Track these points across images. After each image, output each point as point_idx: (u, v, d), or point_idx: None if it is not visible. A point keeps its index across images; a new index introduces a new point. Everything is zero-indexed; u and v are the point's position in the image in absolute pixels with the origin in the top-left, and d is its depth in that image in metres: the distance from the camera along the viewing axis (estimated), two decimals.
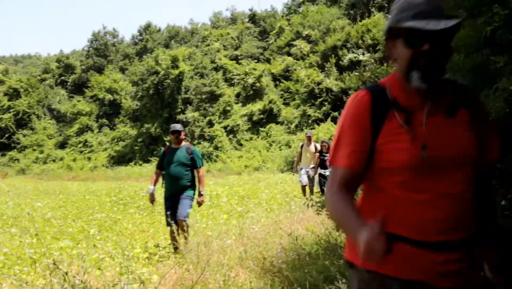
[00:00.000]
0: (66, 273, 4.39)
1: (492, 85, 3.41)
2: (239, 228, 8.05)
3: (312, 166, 14.62)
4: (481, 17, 3.75)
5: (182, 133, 8.70)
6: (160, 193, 10.36)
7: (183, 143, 8.66)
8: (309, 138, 15.37)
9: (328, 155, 13.24)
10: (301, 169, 14.95)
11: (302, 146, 15.46)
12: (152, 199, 8.67)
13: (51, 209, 15.83)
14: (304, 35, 55.48)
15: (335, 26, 51.32)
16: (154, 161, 45.06)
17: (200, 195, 8.56)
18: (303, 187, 14.74)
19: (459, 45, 3.92)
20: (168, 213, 8.20)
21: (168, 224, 8.08)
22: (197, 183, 8.62)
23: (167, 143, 49.15)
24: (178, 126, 8.72)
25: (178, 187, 8.32)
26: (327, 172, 13.93)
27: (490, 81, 3.51)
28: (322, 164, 14.20)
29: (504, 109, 3.22)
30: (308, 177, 14.67)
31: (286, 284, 5.22)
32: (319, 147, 14.77)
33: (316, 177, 14.60)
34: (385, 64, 4.41)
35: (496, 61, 3.48)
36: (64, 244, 8.49)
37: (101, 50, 76.48)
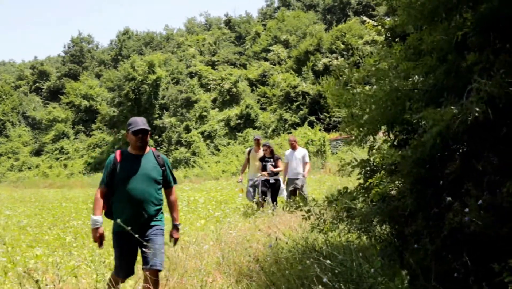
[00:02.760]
0: (37, 281, 4.33)
1: (465, 88, 3.45)
2: (216, 233, 8.03)
3: (258, 175, 12.67)
4: (452, 22, 3.79)
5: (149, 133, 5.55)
6: (107, 225, 5.91)
7: (148, 148, 5.62)
8: (257, 143, 13.46)
9: (271, 159, 12.56)
10: (249, 180, 13.16)
11: (249, 152, 13.65)
12: (99, 237, 5.31)
13: (27, 216, 15.65)
14: (282, 40, 55.73)
15: (311, 31, 51.64)
16: None
17: (175, 228, 5.70)
18: (257, 203, 12.33)
19: (432, 48, 3.96)
20: (123, 260, 5.40)
21: (124, 276, 5.48)
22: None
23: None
24: (142, 122, 5.43)
25: (142, 216, 5.30)
26: (271, 179, 12.48)
27: (464, 84, 3.55)
28: (264, 170, 12.51)
29: (484, 110, 3.26)
30: (255, 187, 12.75)
31: (264, 288, 5.22)
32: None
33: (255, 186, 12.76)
34: (360, 69, 4.42)
35: (465, 59, 3.53)
36: (40, 252, 8.40)
37: (77, 56, 75.94)
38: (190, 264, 6.28)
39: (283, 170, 13.08)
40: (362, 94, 4.50)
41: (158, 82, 49.92)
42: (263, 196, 12.22)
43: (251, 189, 12.94)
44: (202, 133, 45.38)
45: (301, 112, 41.29)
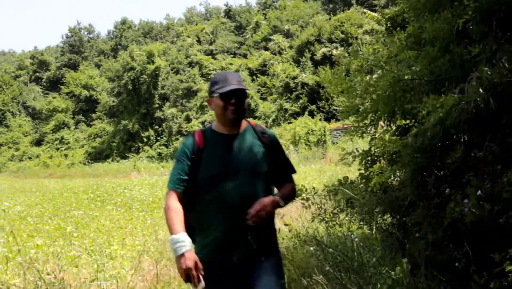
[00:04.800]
0: (38, 271, 4.34)
1: (467, 76, 3.43)
2: None
3: None
4: (453, 10, 3.77)
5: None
6: None
7: (245, 123, 3.47)
8: None
9: None
10: None
11: None
12: (191, 269, 2.93)
13: (28, 206, 15.67)
14: (283, 29, 55.64)
15: (314, 21, 51.55)
16: (132, 157, 44.94)
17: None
18: None
19: (433, 37, 3.94)
20: None
21: None
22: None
23: (145, 139, 49.85)
24: (236, 80, 3.29)
25: (245, 239, 3.13)
26: None
27: (466, 73, 3.53)
28: None
29: (485, 98, 3.24)
30: None
31: None
32: None
33: None
34: (360, 57, 4.38)
35: (470, 51, 3.51)
36: (40, 242, 8.40)
37: (76, 46, 75.79)
38: None
39: None
40: (362, 83, 4.48)
41: (157, 72, 49.80)
42: None
43: None
44: (202, 123, 45.31)
45: (301, 101, 41.25)
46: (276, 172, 3.39)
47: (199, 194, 3.20)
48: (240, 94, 3.21)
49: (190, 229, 3.09)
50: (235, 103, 3.16)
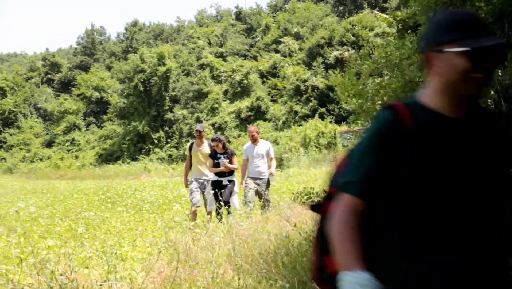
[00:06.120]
0: (52, 272, 4.36)
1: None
2: (227, 225, 8.04)
3: (207, 175, 10.81)
4: None
5: None
6: None
7: None
8: (199, 134, 10.99)
9: (224, 155, 10.49)
10: (192, 182, 10.83)
11: (190, 147, 11.06)
12: None
13: (39, 208, 15.73)
14: (293, 32, 55.66)
15: (324, 23, 51.54)
16: (142, 159, 45.00)
17: None
18: (194, 209, 10.60)
19: None
20: None
21: None
22: None
23: (155, 141, 49.48)
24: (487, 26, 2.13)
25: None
26: (224, 180, 10.48)
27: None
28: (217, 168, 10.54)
29: (495, 100, 3.24)
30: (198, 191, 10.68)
31: (275, 281, 5.22)
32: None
33: (208, 188, 10.69)
34: (372, 60, 4.34)
35: None
36: (52, 243, 8.44)
37: (88, 48, 76.17)
38: (201, 256, 6.29)
39: (242, 168, 10.80)
40: (374, 85, 4.47)
41: (168, 74, 50.00)
42: (217, 201, 9.88)
43: (195, 191, 10.65)
44: (213, 125, 45.39)
45: (311, 104, 41.25)
46: None
47: (410, 205, 1.91)
48: (498, 54, 1.92)
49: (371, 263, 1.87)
50: (488, 69, 1.87)
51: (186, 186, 11.17)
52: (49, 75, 72.98)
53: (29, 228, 10.70)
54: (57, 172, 47.28)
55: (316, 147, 31.73)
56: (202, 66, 54.26)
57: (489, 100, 3.24)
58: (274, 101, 46.20)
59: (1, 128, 60.11)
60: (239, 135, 43.63)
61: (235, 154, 10.85)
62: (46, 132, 61.21)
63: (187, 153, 11.16)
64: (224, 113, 46.63)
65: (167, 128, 48.66)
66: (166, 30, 77.79)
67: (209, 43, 62.01)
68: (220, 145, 10.46)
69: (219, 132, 43.46)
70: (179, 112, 48.64)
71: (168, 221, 10.30)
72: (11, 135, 59.62)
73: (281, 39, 55.37)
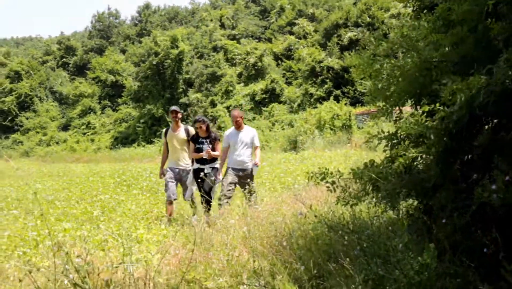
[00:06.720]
0: (67, 253, 4.39)
1: (495, 58, 3.37)
2: (242, 208, 8.04)
3: (185, 164, 9.86)
4: None
5: None
6: None
7: None
8: (175, 116, 9.95)
9: (207, 140, 9.41)
10: (169, 169, 9.85)
11: (166, 132, 10.05)
12: None
13: (55, 191, 15.86)
14: (308, 13, 55.35)
15: (340, 4, 51.22)
16: (157, 142, 45.20)
17: None
18: (169, 202, 9.58)
19: (462, 19, 3.87)
20: None
21: None
22: None
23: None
24: None
25: None
26: (206, 168, 9.32)
27: (494, 55, 3.47)
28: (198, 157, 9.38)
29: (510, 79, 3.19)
30: (178, 181, 9.81)
31: (290, 264, 5.22)
32: (192, 131, 9.77)
33: (190, 177, 9.53)
34: (388, 40, 4.26)
35: (500, 33, 3.44)
36: (68, 226, 8.50)
37: (103, 31, 76.27)
38: (216, 238, 6.31)
39: (221, 158, 9.56)
40: (389, 66, 4.43)
41: (181, 57, 49.97)
42: (202, 191, 9.08)
43: (170, 183, 9.63)
44: (227, 108, 45.37)
45: (326, 86, 41.10)
46: None
47: None
48: None
49: None
50: None
51: (160, 176, 10.16)
52: (64, 59, 73.23)
53: (46, 211, 10.79)
54: (73, 155, 47.62)
55: (331, 129, 31.58)
56: (215, 49, 54.15)
57: (507, 81, 3.18)
58: (288, 83, 46.07)
59: (18, 112, 60.48)
60: (254, 118, 43.60)
61: (219, 139, 9.70)
62: (62, 115, 61.56)
63: (162, 139, 10.12)
64: (238, 96, 46.59)
65: (182, 111, 48.72)
66: (181, 12, 77.61)
67: (222, 26, 61.81)
68: (204, 127, 9.34)
69: None
70: (193, 95, 48.64)
71: (183, 204, 10.35)
72: (27, 118, 59.99)
73: (296, 21, 55.07)
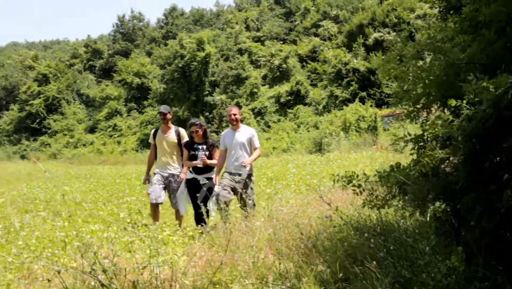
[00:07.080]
0: (95, 254, 4.43)
1: None
2: (267, 210, 8.02)
3: (174, 169, 9.25)
4: None
5: None
6: None
7: None
8: (164, 117, 9.27)
9: (203, 146, 8.75)
10: (156, 173, 9.27)
11: (155, 134, 9.42)
12: None
13: (82, 192, 16.02)
14: (332, 15, 55.21)
15: (364, 6, 51.06)
16: None
17: None
18: (155, 206, 9.08)
19: (489, 20, 3.83)
20: None
21: None
22: None
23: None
24: None
25: None
26: (201, 178, 8.66)
27: None
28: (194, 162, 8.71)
29: None
30: (165, 188, 9.17)
31: (316, 266, 5.21)
32: (185, 135, 9.27)
33: (182, 187, 8.83)
34: (415, 43, 4.24)
35: None
36: (95, 227, 8.58)
37: (128, 34, 76.79)
38: (242, 241, 6.31)
39: (218, 161, 8.71)
40: (415, 68, 4.40)
41: (207, 59, 50.15)
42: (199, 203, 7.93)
43: (156, 184, 9.04)
44: (252, 110, 45.43)
45: (351, 88, 40.95)
46: None
47: None
48: None
49: None
50: None
51: (144, 182, 9.55)
52: (91, 62, 73.82)
53: (73, 213, 10.91)
54: (100, 157, 48.00)
55: (357, 131, 31.46)
56: (240, 51, 54.24)
57: None
58: (313, 85, 45.99)
59: (46, 115, 61.11)
60: (279, 120, 43.57)
61: (217, 146, 8.94)
62: (88, 118, 62.06)
63: (151, 140, 9.47)
64: (263, 98, 46.61)
65: (207, 113, 48.84)
66: (206, 15, 77.87)
67: (247, 28, 61.90)
68: (200, 132, 8.66)
69: (259, 118, 43.30)
70: (218, 97, 48.78)
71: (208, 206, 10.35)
72: (55, 121, 60.56)
73: (321, 23, 54.97)
